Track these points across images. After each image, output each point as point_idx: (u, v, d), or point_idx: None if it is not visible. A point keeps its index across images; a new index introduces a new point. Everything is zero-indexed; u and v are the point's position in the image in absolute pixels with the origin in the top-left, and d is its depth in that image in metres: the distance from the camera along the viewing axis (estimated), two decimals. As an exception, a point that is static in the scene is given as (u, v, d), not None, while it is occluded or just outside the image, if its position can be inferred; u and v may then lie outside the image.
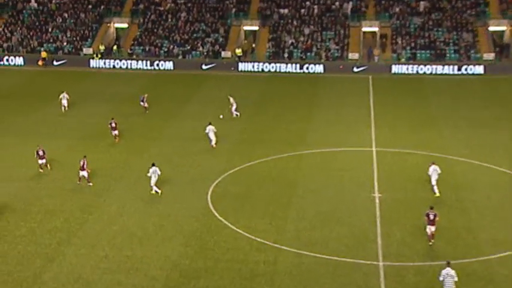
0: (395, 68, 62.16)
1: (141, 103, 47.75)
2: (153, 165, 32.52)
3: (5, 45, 68.35)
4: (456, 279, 22.37)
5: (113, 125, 40.98)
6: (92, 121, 45.62)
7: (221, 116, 43.99)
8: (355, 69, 62.62)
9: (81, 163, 33.53)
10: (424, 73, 61.05)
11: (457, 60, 63.38)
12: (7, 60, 65.78)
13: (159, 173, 32.28)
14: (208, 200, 31.94)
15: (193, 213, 30.33)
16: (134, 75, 61.97)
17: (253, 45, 67.23)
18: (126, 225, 29.09)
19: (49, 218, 29.73)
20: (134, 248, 26.99)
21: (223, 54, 66.44)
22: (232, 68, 63.99)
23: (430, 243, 26.89)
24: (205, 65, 64.52)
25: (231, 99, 46.31)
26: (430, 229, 26.80)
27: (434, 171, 32.06)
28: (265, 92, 55.83)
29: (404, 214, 30.22)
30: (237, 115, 45.80)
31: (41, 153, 36.09)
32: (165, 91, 55.40)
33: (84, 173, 33.45)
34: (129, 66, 64.77)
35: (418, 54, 64.40)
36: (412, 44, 65.07)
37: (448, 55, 63.92)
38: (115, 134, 40.93)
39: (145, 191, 32.54)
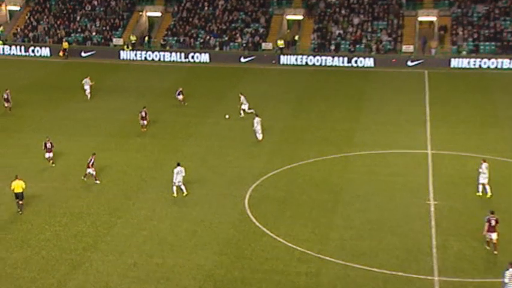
0: (454, 62, 61.10)
1: (178, 96, 48.45)
2: (178, 164, 32.81)
3: (30, 34, 70.01)
4: None
5: (143, 114, 42.32)
6: (121, 117, 46.30)
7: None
8: (410, 63, 61.82)
9: (89, 160, 34.20)
10: (488, 67, 59.87)
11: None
12: (33, 51, 67.37)
13: (183, 174, 32.53)
14: (245, 204, 32.03)
15: (230, 219, 30.44)
16: (167, 68, 62.63)
17: (297, 37, 67.10)
18: (157, 231, 29.38)
19: (75, 221, 30.28)
20: (165, 255, 27.24)
21: (263, 46, 66.52)
22: (274, 62, 63.98)
23: (495, 252, 26.55)
24: (244, 57, 64.71)
25: (242, 98, 46.03)
26: (491, 236, 26.40)
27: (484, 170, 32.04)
28: (309, 87, 55.67)
29: (463, 224, 29.66)
30: (241, 114, 45.59)
31: (48, 145, 36.87)
32: (200, 86, 55.79)
33: (91, 171, 34.08)
34: (161, 59, 65.49)
35: (482, 47, 63.14)
36: (475, 35, 63.82)
37: (515, 47, 62.57)
38: (143, 124, 42.09)
39: (178, 194, 32.81)
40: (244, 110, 45.63)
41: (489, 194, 31.94)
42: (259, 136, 40.41)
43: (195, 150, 39.84)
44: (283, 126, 44.40)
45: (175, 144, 40.88)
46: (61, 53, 65.66)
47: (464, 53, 62.73)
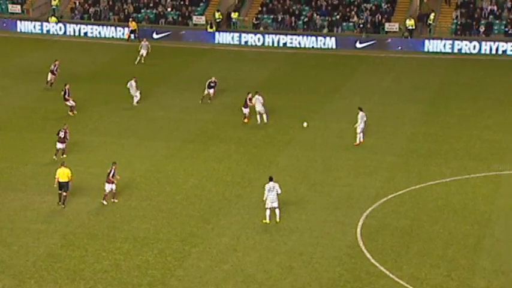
0: None
1: (209, 90, 49.35)
2: (271, 179, 32.96)
3: (91, 10, 72.58)
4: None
5: (248, 99, 45.03)
6: (203, 117, 47.12)
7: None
8: None
9: (110, 171, 34.62)
10: None
11: None
12: (92, 31, 69.61)
13: (279, 191, 32.63)
14: (357, 235, 31.79)
15: (336, 253, 30.29)
16: (260, 55, 63.26)
17: (432, 15, 66.07)
18: (242, 265, 29.61)
19: (139, 248, 31.00)
20: (251, 297, 27.46)
21: (387, 27, 66.02)
22: (399, 48, 63.28)
23: None
24: (361, 42, 64.42)
25: (259, 98, 45.01)
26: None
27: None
28: (447, 81, 54.70)
29: None
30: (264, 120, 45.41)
31: (61, 134, 38.59)
32: (302, 78, 55.96)
33: (112, 186, 34.62)
34: (253, 42, 66.27)
35: None
36: None
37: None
38: (246, 114, 44.99)
39: (271, 219, 32.99)
40: (260, 115, 45.04)
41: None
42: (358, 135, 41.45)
43: (293, 162, 39.95)
44: (410, 134, 43.77)
45: (268, 153, 41.16)
46: (127, 35, 67.65)
47: None
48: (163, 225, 33.00)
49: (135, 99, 48.75)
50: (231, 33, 67.34)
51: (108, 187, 34.50)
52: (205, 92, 49.53)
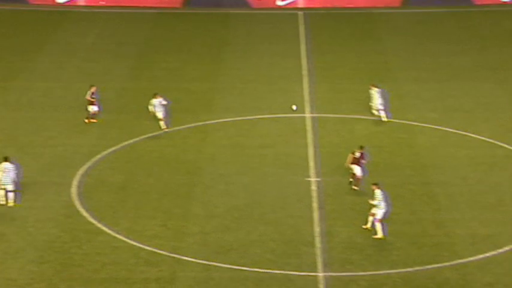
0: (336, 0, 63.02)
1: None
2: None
3: None
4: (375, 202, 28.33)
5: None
6: None
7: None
8: (279, 2, 62.91)
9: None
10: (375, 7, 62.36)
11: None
12: None
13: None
14: (72, 194, 31.46)
15: (51, 215, 29.79)
16: None
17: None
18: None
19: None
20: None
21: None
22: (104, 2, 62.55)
23: (355, 187, 31.78)
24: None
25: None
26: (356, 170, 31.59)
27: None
28: (154, 36, 55.03)
29: (351, 205, 30.93)
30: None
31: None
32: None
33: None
34: None
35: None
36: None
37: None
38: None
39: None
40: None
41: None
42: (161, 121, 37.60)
43: (4, 125, 38.50)
44: (119, 90, 43.77)
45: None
46: None
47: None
48: None
49: None
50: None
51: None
52: None
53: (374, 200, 28.24)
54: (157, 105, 37.49)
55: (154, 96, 37.82)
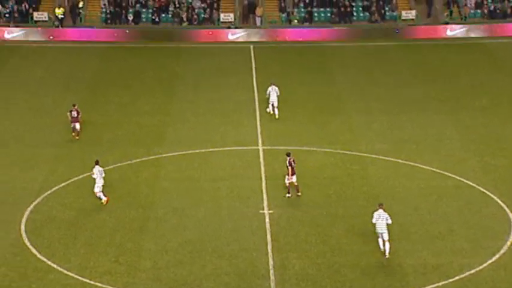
0: (286, 34, 63.81)
1: None
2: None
3: None
4: (390, 221, 28.90)
5: (74, 114, 40.64)
6: None
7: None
8: (230, 36, 63.46)
9: None
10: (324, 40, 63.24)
11: (367, 21, 66.14)
12: None
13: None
14: (22, 232, 31.07)
15: (0, 253, 29.36)
16: None
17: (81, 3, 66.02)
18: None
19: None
20: None
21: (36, 16, 64.80)
22: (51, 37, 62.40)
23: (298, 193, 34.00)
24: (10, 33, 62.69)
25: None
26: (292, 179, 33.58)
27: None
28: (105, 70, 55.14)
29: (304, 236, 31.02)
30: None
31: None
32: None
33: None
34: None
35: (316, 14, 66.44)
36: (307, 0, 67.00)
37: (355, 14, 66.52)
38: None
39: None
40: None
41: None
42: None
43: None
44: (69, 124, 43.44)
45: None
46: None
47: (296, 21, 65.60)
48: None
49: None
50: None
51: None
52: None
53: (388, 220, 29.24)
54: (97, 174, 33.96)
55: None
